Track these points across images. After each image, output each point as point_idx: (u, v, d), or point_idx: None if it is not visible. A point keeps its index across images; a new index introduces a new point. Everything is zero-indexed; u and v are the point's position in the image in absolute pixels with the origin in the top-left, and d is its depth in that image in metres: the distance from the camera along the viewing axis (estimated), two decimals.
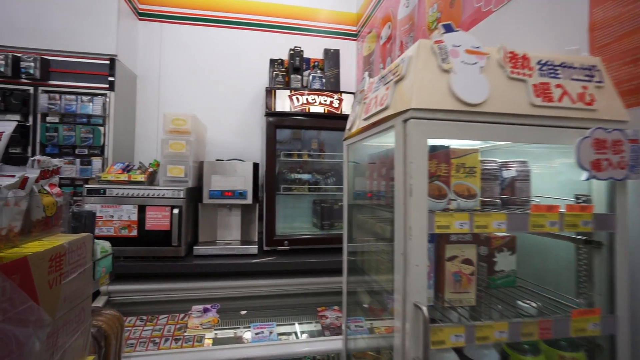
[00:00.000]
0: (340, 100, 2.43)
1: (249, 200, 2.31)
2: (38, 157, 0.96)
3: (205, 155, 2.86)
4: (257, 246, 2.28)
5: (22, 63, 2.28)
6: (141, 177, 2.17)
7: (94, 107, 2.37)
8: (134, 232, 2.02)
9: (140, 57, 2.89)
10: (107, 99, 2.41)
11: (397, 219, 0.77)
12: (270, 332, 1.90)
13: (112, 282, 2.04)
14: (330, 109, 2.41)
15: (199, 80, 2.96)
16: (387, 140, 1.14)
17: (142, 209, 2.03)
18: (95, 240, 1.46)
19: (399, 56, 0.98)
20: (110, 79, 2.42)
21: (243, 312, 2.09)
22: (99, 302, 1.95)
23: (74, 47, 2.39)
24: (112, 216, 2.01)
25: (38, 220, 0.93)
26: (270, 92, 2.35)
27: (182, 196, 2.07)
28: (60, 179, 2.33)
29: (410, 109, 0.73)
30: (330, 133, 2.71)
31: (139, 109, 2.88)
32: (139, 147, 2.84)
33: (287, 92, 2.36)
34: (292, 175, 2.57)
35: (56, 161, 1.05)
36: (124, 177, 2.16)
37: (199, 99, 2.96)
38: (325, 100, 2.41)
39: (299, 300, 2.36)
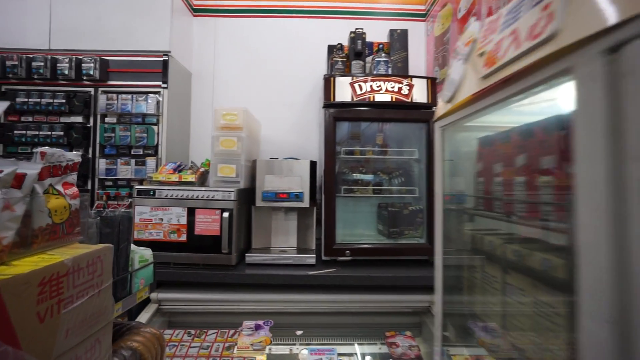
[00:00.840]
0: (411, 86, 2.06)
1: (305, 203, 2.05)
2: (43, 148, 0.76)
3: (259, 155, 2.67)
4: (314, 255, 2.00)
5: (83, 65, 2.29)
6: (191, 178, 2.02)
7: (147, 106, 2.30)
8: (183, 237, 1.87)
9: (195, 54, 2.81)
10: (161, 98, 2.32)
11: (587, 250, 0.40)
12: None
13: (163, 290, 1.91)
14: (398, 97, 2.05)
15: (254, 75, 2.79)
16: (506, 120, 0.78)
17: (191, 212, 1.87)
18: (134, 248, 1.28)
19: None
20: (164, 77, 2.33)
21: (299, 332, 1.82)
22: (149, 310, 1.82)
23: (130, 46, 2.35)
24: (162, 219, 1.87)
25: (42, 229, 0.73)
26: (328, 81, 2.06)
27: (232, 198, 1.87)
28: (117, 180, 2.29)
29: None
30: (397, 126, 2.35)
31: (194, 107, 2.79)
32: (194, 146, 2.75)
33: (348, 79, 2.06)
34: (354, 175, 2.25)
35: (72, 155, 0.86)
36: (174, 177, 2.03)
37: (253, 95, 2.79)
38: (392, 87, 2.06)
39: (362, 319, 2.04)
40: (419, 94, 2.07)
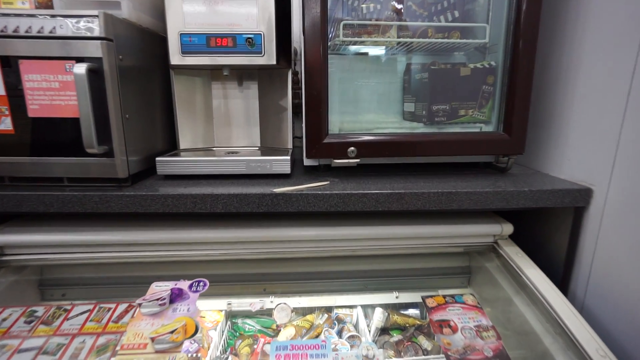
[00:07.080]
0: None
1: (268, 57, 1.01)
2: None
3: None
4: (289, 158, 1.04)
5: None
6: (23, 2, 0.96)
7: None
8: (7, 124, 0.88)
9: None
10: None
11: None
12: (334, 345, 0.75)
13: (6, 228, 1.01)
14: None
15: None
16: None
17: (12, 68, 0.85)
18: None
19: None
20: None
21: (257, 306, 0.97)
22: None
23: None
24: None
25: None
26: None
27: (98, 33, 0.83)
28: None
29: None
30: None
31: None
32: None
33: None
34: (364, 6, 1.16)
35: None
36: None
37: None
38: None
39: (378, 265, 1.19)
40: None
